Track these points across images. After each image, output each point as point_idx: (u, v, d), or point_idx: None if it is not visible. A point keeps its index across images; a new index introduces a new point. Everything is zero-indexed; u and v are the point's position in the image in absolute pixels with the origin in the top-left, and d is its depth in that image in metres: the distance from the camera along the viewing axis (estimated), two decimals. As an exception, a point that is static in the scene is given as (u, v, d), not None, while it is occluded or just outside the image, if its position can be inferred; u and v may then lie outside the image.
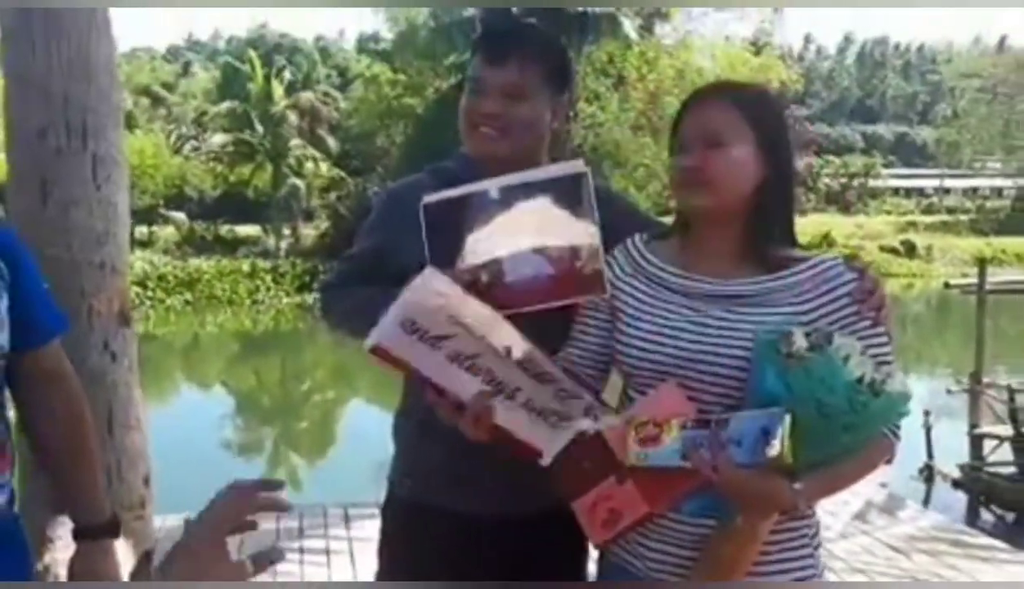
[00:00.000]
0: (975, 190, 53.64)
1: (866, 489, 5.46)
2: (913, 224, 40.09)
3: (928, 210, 49.00)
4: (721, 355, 1.49)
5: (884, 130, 77.55)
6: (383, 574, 1.94)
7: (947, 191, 53.91)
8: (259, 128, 31.36)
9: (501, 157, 1.74)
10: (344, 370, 15.85)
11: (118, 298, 3.20)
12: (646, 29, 25.69)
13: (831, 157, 51.91)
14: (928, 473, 9.36)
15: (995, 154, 45.46)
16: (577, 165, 1.60)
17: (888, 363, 1.47)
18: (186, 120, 43.25)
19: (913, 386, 1.43)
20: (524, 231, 1.57)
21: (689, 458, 1.41)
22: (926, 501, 8.37)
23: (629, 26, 23.66)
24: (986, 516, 8.65)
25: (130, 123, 30.49)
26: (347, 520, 4.96)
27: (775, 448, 1.34)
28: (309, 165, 31.53)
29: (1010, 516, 8.56)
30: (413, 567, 1.86)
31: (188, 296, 23.65)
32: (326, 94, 37.81)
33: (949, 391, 10.10)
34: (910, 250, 33.67)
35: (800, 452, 1.35)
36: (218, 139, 32.89)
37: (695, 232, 1.60)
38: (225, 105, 33.78)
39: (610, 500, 1.51)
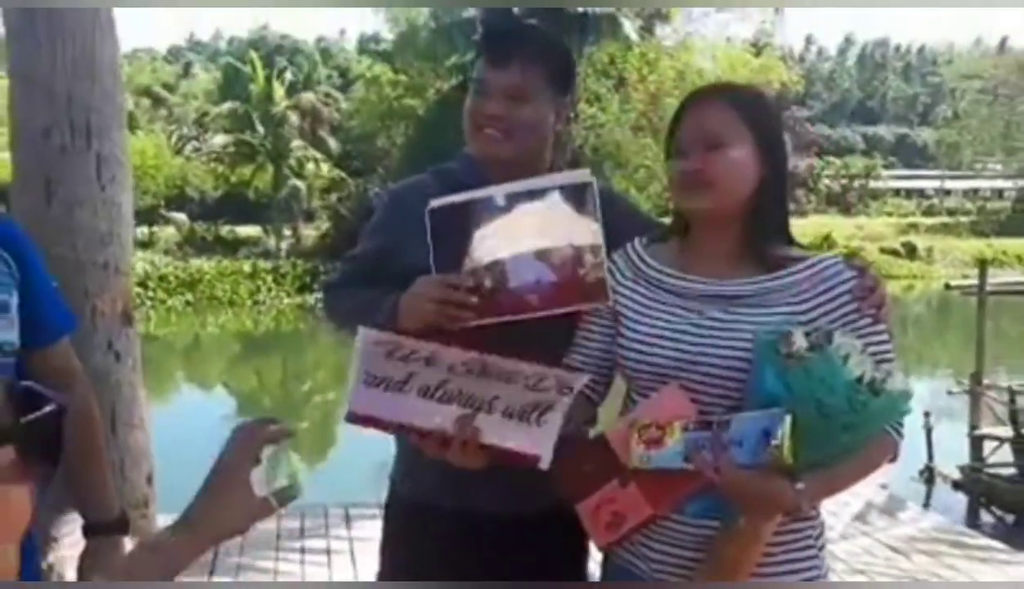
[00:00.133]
0: (976, 191, 53.57)
1: (866, 490, 5.46)
2: (914, 225, 40.08)
3: (929, 211, 48.89)
4: (721, 356, 1.49)
5: (885, 131, 77.39)
6: (384, 574, 1.94)
7: (948, 192, 53.83)
8: (260, 129, 31.33)
9: (505, 159, 1.74)
10: (345, 371, 15.74)
11: (122, 298, 3.22)
12: (647, 30, 25.68)
13: (832, 158, 51.95)
14: (928, 474, 9.35)
15: (996, 155, 45.42)
16: (583, 174, 1.61)
17: (889, 361, 1.47)
18: (187, 121, 43.23)
19: (914, 387, 1.43)
20: (528, 238, 1.58)
21: (691, 460, 1.42)
22: (926, 502, 8.36)
23: (630, 27, 23.68)
24: (986, 517, 8.66)
25: (131, 124, 30.22)
26: (348, 520, 4.96)
27: (776, 448, 1.34)
28: (310, 166, 31.50)
29: (1010, 518, 8.55)
30: (414, 567, 1.86)
31: (189, 297, 23.65)
32: (327, 95, 37.81)
33: (950, 392, 10.13)
34: (911, 251, 33.63)
35: (801, 452, 1.36)
36: (219, 140, 32.85)
37: (694, 234, 1.61)
38: (226, 106, 33.73)
39: (613, 503, 1.52)
